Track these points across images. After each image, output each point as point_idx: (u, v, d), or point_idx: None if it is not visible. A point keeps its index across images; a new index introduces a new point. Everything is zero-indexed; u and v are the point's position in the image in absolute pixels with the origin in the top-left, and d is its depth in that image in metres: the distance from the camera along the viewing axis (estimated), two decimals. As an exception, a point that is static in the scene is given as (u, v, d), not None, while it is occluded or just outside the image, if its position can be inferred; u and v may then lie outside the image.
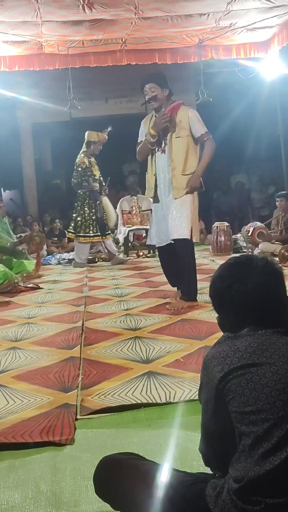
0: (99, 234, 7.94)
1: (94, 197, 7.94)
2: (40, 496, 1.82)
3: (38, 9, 6.01)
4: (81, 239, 7.99)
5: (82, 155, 7.90)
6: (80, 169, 7.83)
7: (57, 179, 14.86)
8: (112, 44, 7.67)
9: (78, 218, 7.95)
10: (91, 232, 7.92)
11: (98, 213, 7.93)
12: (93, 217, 7.91)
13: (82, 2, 5.92)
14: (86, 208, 7.93)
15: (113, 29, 6.98)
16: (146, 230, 7.73)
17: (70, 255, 8.99)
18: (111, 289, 5.85)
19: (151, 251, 8.76)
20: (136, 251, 9.22)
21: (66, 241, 10.25)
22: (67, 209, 12.84)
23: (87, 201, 7.93)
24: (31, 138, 12.19)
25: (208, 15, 6.69)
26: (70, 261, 8.67)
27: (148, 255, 8.90)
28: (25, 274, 6.75)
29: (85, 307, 4.89)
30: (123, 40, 7.55)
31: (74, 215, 8.07)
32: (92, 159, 7.97)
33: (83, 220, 7.92)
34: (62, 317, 4.55)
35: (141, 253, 9.04)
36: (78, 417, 2.41)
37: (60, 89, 8.83)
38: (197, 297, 4.66)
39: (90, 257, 8.75)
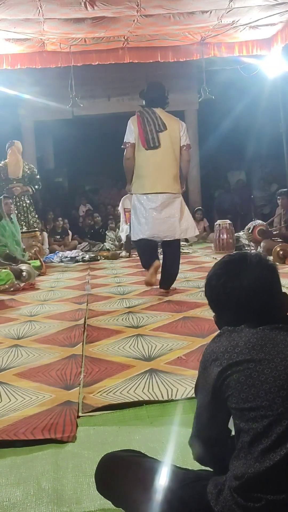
0: None
1: None
2: (42, 493, 1.82)
3: (40, 6, 6.00)
4: None
5: None
6: None
7: (59, 177, 14.83)
8: (114, 42, 7.64)
9: None
10: None
11: None
12: None
13: (84, 0, 5.91)
14: None
15: (115, 27, 6.96)
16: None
17: (73, 253, 9.03)
18: (113, 287, 5.85)
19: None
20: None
21: (69, 239, 10.27)
22: (69, 207, 12.85)
23: None
24: (33, 136, 12.16)
25: (210, 12, 6.66)
26: (72, 259, 8.71)
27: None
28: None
29: (87, 304, 4.90)
30: (125, 38, 7.53)
31: None
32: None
33: None
34: (64, 315, 4.55)
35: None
36: (80, 414, 2.42)
37: (62, 87, 8.81)
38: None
39: (92, 255, 8.76)
